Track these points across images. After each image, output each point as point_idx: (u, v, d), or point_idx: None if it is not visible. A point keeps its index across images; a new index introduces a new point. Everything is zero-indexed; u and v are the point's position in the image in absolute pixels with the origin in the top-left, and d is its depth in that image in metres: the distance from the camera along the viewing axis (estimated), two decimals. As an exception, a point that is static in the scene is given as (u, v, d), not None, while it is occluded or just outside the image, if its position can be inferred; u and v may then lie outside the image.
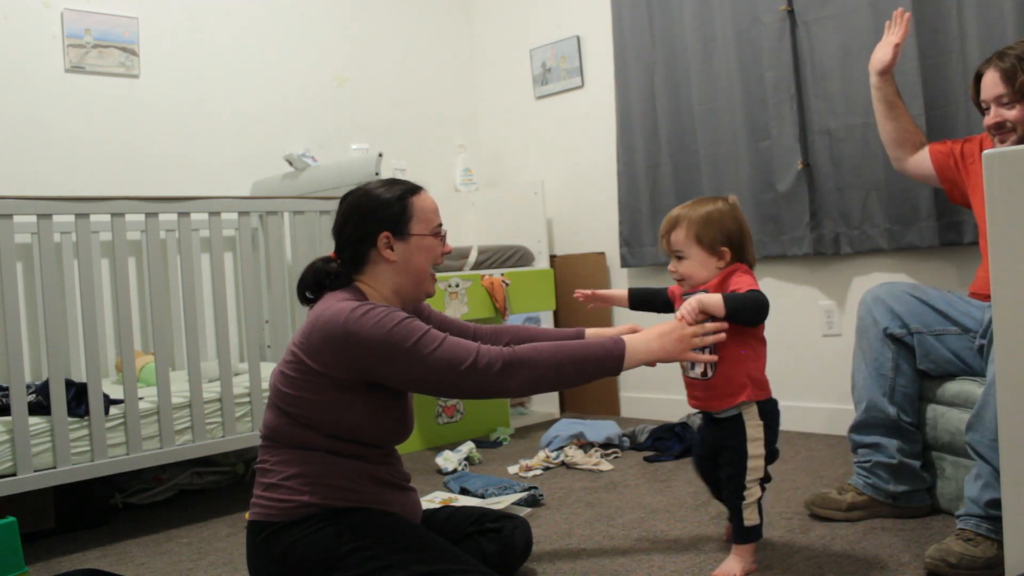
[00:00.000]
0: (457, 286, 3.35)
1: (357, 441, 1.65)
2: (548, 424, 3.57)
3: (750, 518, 1.83)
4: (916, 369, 2.19)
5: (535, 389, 1.67)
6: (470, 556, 1.64)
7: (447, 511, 1.93)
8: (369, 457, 1.67)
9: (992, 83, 2.08)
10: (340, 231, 1.76)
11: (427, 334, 1.60)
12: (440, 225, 1.78)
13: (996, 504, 1.74)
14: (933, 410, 2.19)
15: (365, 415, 1.63)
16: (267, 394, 2.70)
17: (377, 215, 1.72)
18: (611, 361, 1.68)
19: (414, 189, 1.77)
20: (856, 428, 2.24)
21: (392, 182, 1.78)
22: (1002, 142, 2.09)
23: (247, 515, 2.44)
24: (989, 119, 2.09)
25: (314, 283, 1.76)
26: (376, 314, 1.58)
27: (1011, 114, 2.05)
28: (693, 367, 1.88)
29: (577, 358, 1.66)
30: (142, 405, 2.49)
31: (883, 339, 2.18)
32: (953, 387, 2.14)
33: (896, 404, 2.17)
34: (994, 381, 1.78)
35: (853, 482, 2.24)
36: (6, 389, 2.33)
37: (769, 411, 1.86)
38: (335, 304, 1.62)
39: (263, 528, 1.62)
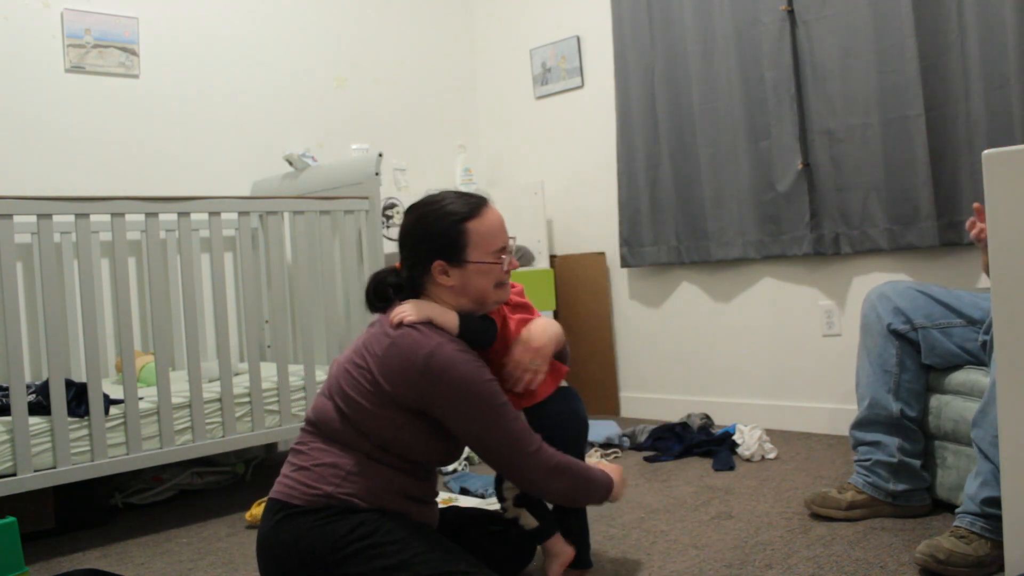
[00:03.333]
0: (457, 286, 3.35)
1: (405, 458, 1.65)
2: (548, 424, 3.56)
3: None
4: (921, 365, 2.19)
5: (563, 499, 1.75)
6: (475, 558, 1.64)
7: (453, 511, 1.93)
8: (408, 471, 1.66)
9: None
10: (401, 247, 1.74)
11: (508, 403, 1.64)
12: (504, 248, 1.71)
13: (992, 502, 1.74)
14: (937, 399, 2.19)
15: (423, 437, 1.63)
16: (271, 393, 2.72)
17: (431, 243, 1.67)
18: (607, 493, 1.80)
19: (474, 211, 1.69)
20: (858, 425, 2.24)
21: (459, 198, 1.71)
22: None
23: (247, 516, 2.44)
24: None
25: (375, 295, 1.75)
26: (465, 361, 1.59)
27: None
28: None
29: (594, 482, 1.75)
30: (142, 405, 2.49)
31: (887, 335, 2.18)
32: (959, 376, 2.14)
33: (901, 400, 2.17)
34: None
35: (853, 481, 2.24)
36: (6, 389, 2.32)
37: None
38: (415, 332, 1.60)
39: (281, 508, 1.62)
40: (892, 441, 2.17)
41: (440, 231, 1.67)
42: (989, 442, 1.75)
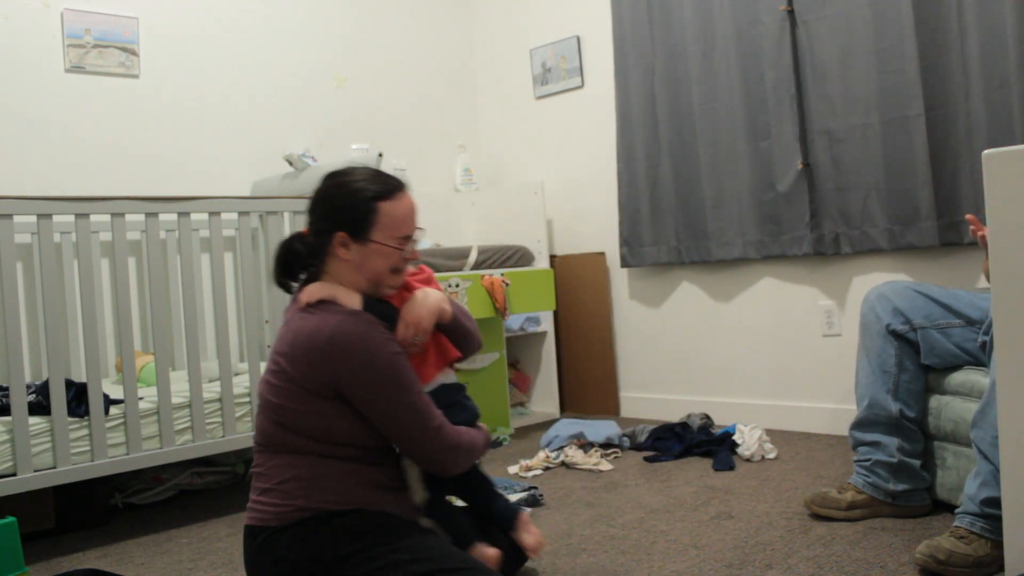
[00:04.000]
0: (457, 286, 3.35)
1: (354, 445, 1.63)
2: (548, 424, 3.57)
3: None
4: (920, 365, 2.19)
5: (459, 471, 1.71)
6: (467, 555, 1.63)
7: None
8: (364, 459, 1.65)
9: None
10: (310, 211, 1.70)
11: (415, 379, 1.62)
12: (409, 236, 1.68)
13: (992, 502, 1.74)
14: (937, 400, 2.19)
15: (356, 420, 1.61)
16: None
17: (339, 213, 1.64)
18: (487, 446, 1.79)
19: (389, 192, 1.66)
20: (857, 425, 2.24)
21: (376, 177, 1.68)
22: None
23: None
24: None
25: (283, 267, 1.72)
26: (372, 334, 1.57)
27: None
28: None
29: (480, 445, 1.75)
30: (142, 405, 2.49)
31: (886, 336, 2.18)
32: (958, 377, 2.14)
33: (900, 400, 2.17)
34: None
35: (853, 481, 2.24)
36: (6, 389, 2.33)
37: None
38: (318, 312, 1.59)
39: (259, 533, 1.60)
40: (892, 441, 2.17)
41: (351, 204, 1.64)
42: (989, 443, 1.75)
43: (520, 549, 1.86)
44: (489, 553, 1.74)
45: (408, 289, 1.75)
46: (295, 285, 1.74)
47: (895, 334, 2.18)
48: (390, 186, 1.67)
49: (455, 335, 1.80)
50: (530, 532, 1.82)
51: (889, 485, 2.17)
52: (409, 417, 1.60)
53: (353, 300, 1.64)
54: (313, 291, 1.64)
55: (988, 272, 2.23)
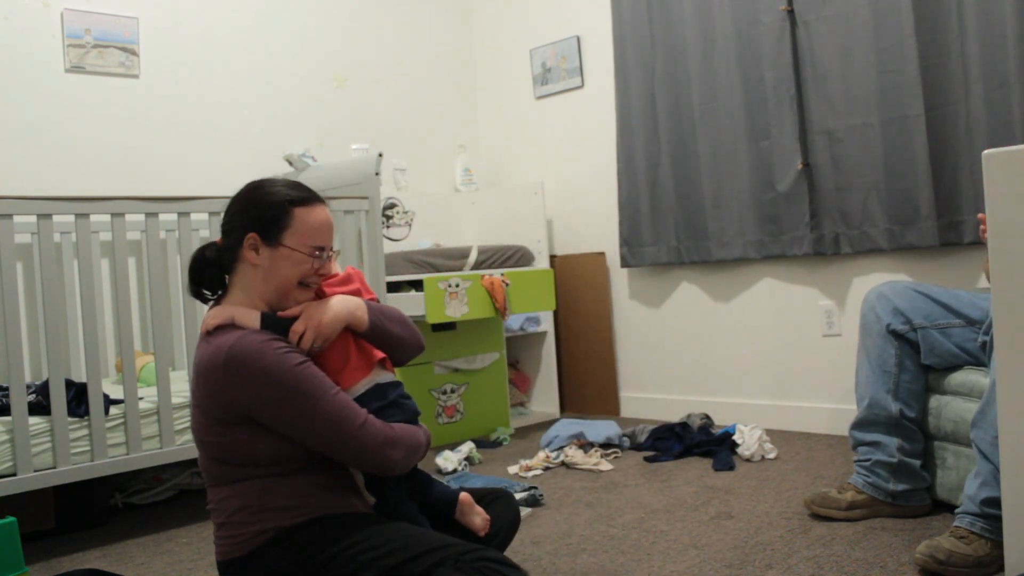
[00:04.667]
0: (457, 286, 3.35)
1: (281, 462, 1.57)
2: (548, 424, 3.57)
3: None
4: (920, 365, 2.19)
5: (401, 468, 1.61)
6: (439, 534, 1.57)
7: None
8: (305, 469, 1.59)
9: None
10: (224, 213, 1.66)
11: (323, 382, 1.54)
12: (322, 248, 1.62)
13: (992, 502, 1.74)
14: (937, 400, 2.19)
15: (275, 439, 1.55)
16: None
17: (252, 212, 1.61)
18: (428, 444, 1.70)
19: (307, 200, 1.62)
20: (857, 425, 2.24)
21: (295, 186, 1.64)
22: None
23: None
24: None
25: (195, 274, 1.66)
26: (268, 351, 1.50)
27: None
28: None
29: (421, 442, 1.66)
30: (142, 405, 2.49)
31: (886, 336, 2.18)
32: (958, 377, 2.14)
33: (900, 400, 2.17)
34: None
35: (853, 481, 2.24)
36: (6, 389, 2.32)
37: None
38: (214, 339, 1.54)
39: (228, 565, 1.58)
40: (892, 441, 2.17)
41: (265, 204, 1.61)
42: (989, 443, 1.75)
43: (498, 525, 1.78)
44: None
45: (319, 296, 1.68)
46: (212, 297, 1.69)
47: (895, 334, 2.17)
48: (308, 195, 1.64)
49: (379, 343, 1.72)
50: (476, 512, 1.73)
51: (889, 485, 2.17)
52: (327, 423, 1.53)
53: (251, 319, 1.57)
54: (211, 317, 1.58)
55: (989, 271, 2.24)
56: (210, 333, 1.56)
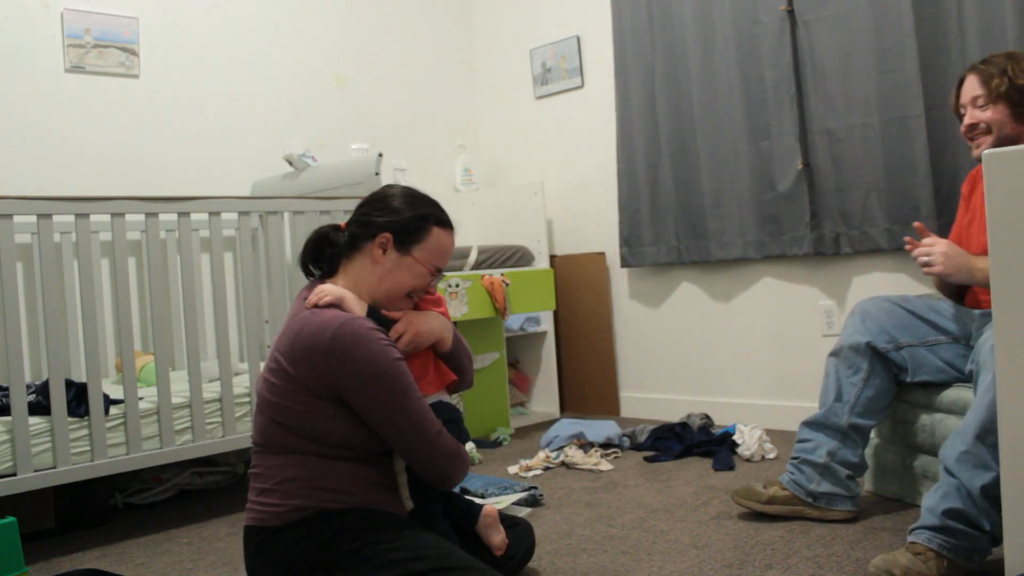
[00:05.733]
0: (457, 286, 3.35)
1: (349, 447, 1.63)
2: (548, 424, 3.57)
3: None
4: (890, 383, 2.18)
5: (454, 483, 1.71)
6: (467, 554, 1.62)
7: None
8: (362, 459, 1.65)
9: (971, 87, 2.10)
10: (366, 203, 1.74)
11: (414, 384, 1.62)
12: (440, 270, 1.74)
13: (954, 514, 1.71)
14: (930, 417, 2.18)
15: (353, 423, 1.61)
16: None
17: (393, 216, 1.69)
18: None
19: (445, 222, 1.74)
20: (807, 423, 2.23)
21: (433, 203, 1.75)
22: (977, 147, 2.09)
23: None
24: (965, 121, 2.11)
25: (314, 251, 1.74)
26: (374, 339, 1.57)
27: (985, 115, 2.05)
28: None
29: (467, 465, 1.74)
30: (142, 405, 2.49)
31: (860, 351, 2.16)
32: (950, 394, 2.13)
33: (855, 414, 2.15)
34: (978, 403, 1.77)
35: (780, 478, 2.25)
36: (6, 389, 2.32)
37: None
38: (322, 313, 1.60)
39: (258, 533, 1.61)
40: (828, 444, 2.16)
41: (412, 214, 1.69)
42: (955, 459, 1.73)
43: (514, 552, 1.85)
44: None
45: (417, 307, 1.78)
46: (316, 275, 1.76)
47: (876, 352, 2.15)
48: (448, 219, 1.75)
49: (450, 367, 1.82)
50: (497, 530, 1.80)
51: (812, 485, 2.17)
52: (408, 421, 1.60)
53: (359, 307, 1.66)
54: (324, 292, 1.64)
55: (941, 285, 2.20)
56: (318, 307, 1.62)
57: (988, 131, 2.06)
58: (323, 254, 1.74)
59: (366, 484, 1.64)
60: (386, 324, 1.68)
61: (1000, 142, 2.04)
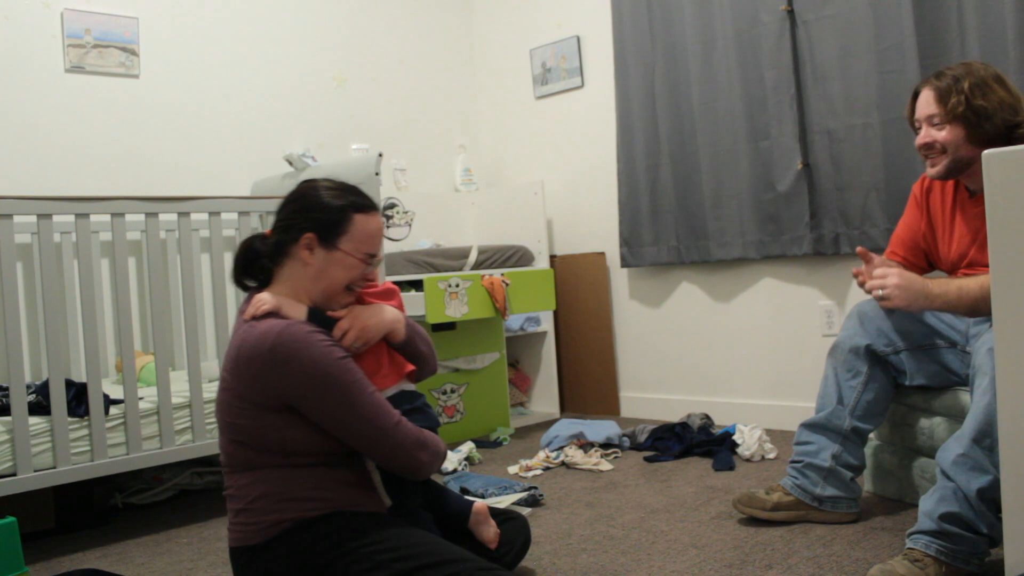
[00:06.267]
0: (457, 286, 3.35)
1: (311, 453, 1.60)
2: (548, 424, 3.57)
3: None
4: (889, 385, 2.17)
5: (426, 471, 1.66)
6: (455, 546, 1.60)
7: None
8: (330, 462, 1.62)
9: (926, 102, 2.03)
10: (280, 209, 1.70)
11: (362, 379, 1.58)
12: (373, 255, 1.68)
13: (950, 518, 1.70)
14: (929, 420, 2.19)
15: (309, 429, 1.58)
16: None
17: (312, 214, 1.64)
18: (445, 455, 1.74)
19: (365, 207, 1.68)
20: (807, 424, 2.22)
21: (350, 191, 1.69)
22: (932, 166, 2.05)
23: None
24: (919, 139, 2.05)
25: (244, 263, 1.70)
26: (314, 342, 1.54)
27: (940, 135, 2.00)
28: None
29: (442, 450, 1.70)
30: (142, 405, 2.49)
31: (859, 354, 2.15)
32: (948, 399, 2.13)
33: (855, 417, 2.15)
34: (975, 406, 1.77)
35: (783, 482, 2.23)
36: (6, 389, 2.33)
37: None
38: (260, 324, 1.56)
39: (242, 553, 1.59)
40: (831, 447, 2.15)
41: (328, 207, 1.65)
42: (951, 462, 1.73)
43: (510, 547, 1.84)
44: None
45: (361, 302, 1.74)
46: (253, 284, 1.72)
47: (875, 355, 2.14)
48: (367, 202, 1.69)
49: (407, 357, 1.79)
50: (488, 525, 1.78)
51: (817, 489, 2.16)
52: (363, 418, 1.57)
53: (298, 311, 1.62)
54: (259, 302, 1.61)
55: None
56: (255, 318, 1.59)
57: (943, 151, 2.00)
58: (253, 266, 1.70)
59: (339, 486, 1.61)
60: (330, 323, 1.65)
61: (954, 164, 2.00)
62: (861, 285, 2.07)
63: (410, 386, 1.79)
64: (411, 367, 1.80)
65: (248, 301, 1.66)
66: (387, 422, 1.59)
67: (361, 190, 1.72)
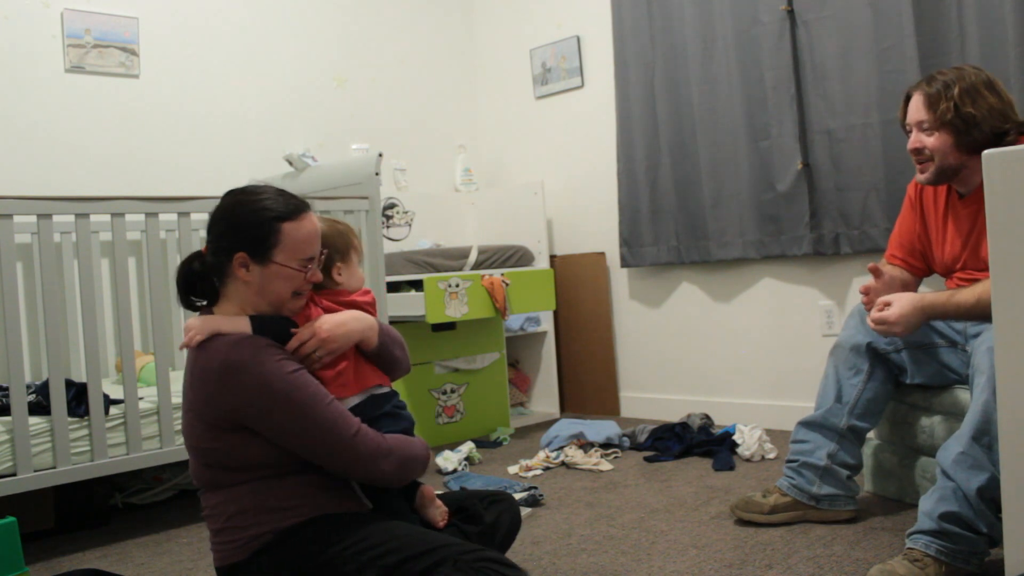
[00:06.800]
0: (457, 286, 3.35)
1: (275, 465, 1.57)
2: (548, 424, 3.57)
3: None
4: (889, 384, 2.17)
5: (394, 480, 1.61)
6: (440, 534, 1.58)
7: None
8: (299, 470, 1.59)
9: (916, 108, 2.02)
10: (209, 230, 1.63)
11: (318, 392, 1.54)
12: (311, 259, 1.61)
13: (950, 517, 1.70)
14: (929, 419, 2.19)
15: (267, 445, 1.54)
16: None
17: (239, 233, 1.57)
18: (427, 461, 1.70)
19: (292, 213, 1.59)
20: (804, 423, 2.22)
21: (278, 196, 1.61)
22: (922, 171, 2.05)
23: None
24: (909, 144, 2.05)
25: (185, 286, 1.65)
26: (261, 360, 1.50)
27: (929, 141, 1.99)
28: None
29: (418, 456, 1.65)
30: (142, 405, 2.49)
31: (860, 352, 2.15)
32: (948, 397, 2.13)
33: (854, 416, 2.15)
34: (974, 405, 1.77)
35: (779, 483, 2.23)
36: (6, 389, 2.32)
37: None
38: (207, 346, 1.53)
39: (227, 571, 1.58)
40: (827, 446, 2.15)
41: (253, 222, 1.56)
42: (951, 461, 1.73)
43: (497, 528, 1.79)
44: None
45: (327, 310, 1.70)
46: (203, 303, 1.67)
47: (877, 353, 2.14)
48: (294, 206, 1.60)
49: (379, 362, 1.75)
50: (435, 506, 1.73)
51: (813, 488, 2.15)
52: (318, 433, 1.52)
53: (240, 325, 1.57)
54: (194, 331, 1.56)
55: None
56: (202, 343, 1.54)
57: (931, 158, 2.00)
58: (195, 288, 1.65)
59: (315, 491, 1.58)
60: (283, 332, 1.60)
61: (942, 170, 2.00)
62: (867, 306, 2.06)
63: (382, 388, 1.73)
64: (376, 381, 1.73)
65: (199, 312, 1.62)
66: (343, 434, 1.54)
67: (287, 192, 1.64)
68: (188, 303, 1.67)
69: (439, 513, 1.72)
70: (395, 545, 1.49)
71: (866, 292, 2.07)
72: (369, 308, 1.77)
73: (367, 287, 1.86)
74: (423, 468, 1.68)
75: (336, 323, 1.65)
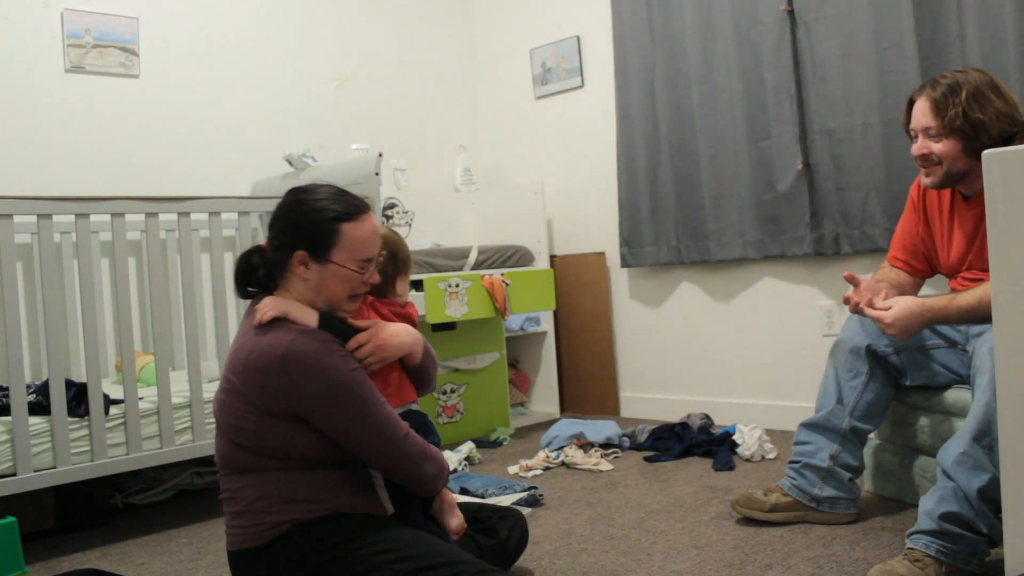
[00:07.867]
0: (457, 286, 3.35)
1: (312, 458, 1.59)
2: (548, 424, 3.57)
3: None
4: (889, 385, 2.17)
5: (431, 485, 1.66)
6: (455, 547, 1.60)
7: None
8: (330, 465, 1.61)
9: (922, 113, 2.00)
10: (271, 225, 1.67)
11: (373, 390, 1.58)
12: (369, 260, 1.64)
13: (951, 517, 1.70)
14: (930, 418, 2.19)
15: (314, 437, 1.57)
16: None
17: (300, 231, 1.61)
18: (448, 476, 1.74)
19: (353, 213, 1.62)
20: (806, 424, 2.22)
21: (338, 197, 1.64)
22: (927, 175, 2.03)
23: None
24: (916, 149, 2.03)
25: (243, 278, 1.69)
26: (325, 354, 1.53)
27: (937, 147, 1.97)
28: None
29: (446, 466, 1.71)
30: (142, 405, 2.49)
31: (860, 354, 2.15)
32: (950, 396, 2.13)
33: (855, 418, 2.14)
34: (975, 405, 1.77)
35: (781, 483, 2.23)
36: (6, 389, 2.33)
37: None
38: (271, 331, 1.55)
39: (241, 556, 1.59)
40: (830, 447, 2.15)
41: (314, 221, 1.60)
42: (952, 461, 1.73)
43: (507, 543, 1.84)
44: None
45: (384, 318, 1.74)
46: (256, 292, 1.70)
47: (876, 355, 2.14)
48: (354, 207, 1.63)
49: (416, 378, 1.80)
50: (453, 514, 1.76)
51: (815, 490, 2.15)
52: (372, 430, 1.56)
53: (309, 317, 1.60)
54: (267, 307, 1.59)
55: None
56: (264, 325, 1.57)
57: (939, 163, 1.99)
58: (251, 279, 1.68)
59: (339, 488, 1.60)
60: (346, 333, 1.63)
61: (950, 175, 1.99)
62: (854, 311, 2.06)
63: (415, 405, 1.80)
64: (413, 397, 1.79)
65: (255, 304, 1.64)
66: (396, 434, 1.59)
67: (348, 193, 1.67)
68: (245, 293, 1.71)
69: (455, 522, 1.75)
70: (410, 553, 1.51)
71: (847, 301, 2.07)
72: (416, 322, 1.82)
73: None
74: (448, 480, 1.74)
75: (392, 333, 1.70)
